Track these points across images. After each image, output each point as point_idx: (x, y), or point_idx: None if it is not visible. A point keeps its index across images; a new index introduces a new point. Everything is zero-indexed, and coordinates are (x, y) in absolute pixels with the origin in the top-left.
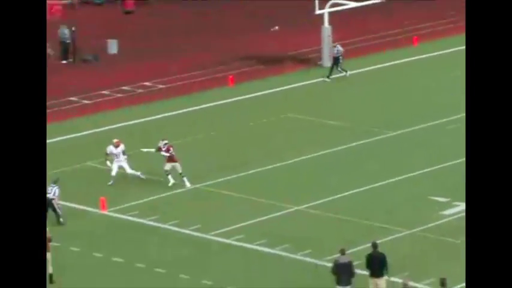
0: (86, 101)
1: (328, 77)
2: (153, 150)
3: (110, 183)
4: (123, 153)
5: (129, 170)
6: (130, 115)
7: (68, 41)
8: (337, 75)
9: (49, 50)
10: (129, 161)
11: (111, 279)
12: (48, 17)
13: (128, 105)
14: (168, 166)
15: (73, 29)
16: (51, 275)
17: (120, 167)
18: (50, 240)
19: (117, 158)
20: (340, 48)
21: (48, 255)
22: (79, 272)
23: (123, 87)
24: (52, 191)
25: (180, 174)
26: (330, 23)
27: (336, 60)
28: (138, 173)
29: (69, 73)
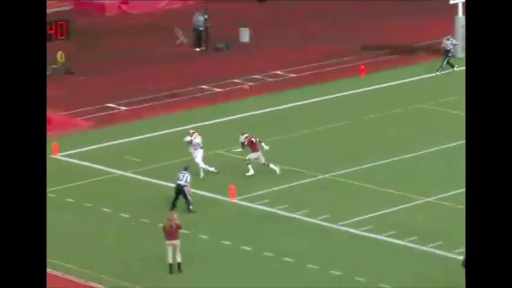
0: (217, 89)
1: (438, 70)
2: (240, 149)
3: (213, 170)
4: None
5: (201, 164)
6: (261, 104)
7: (201, 29)
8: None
9: (182, 38)
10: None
11: (239, 268)
12: (182, 4)
13: (258, 94)
14: (253, 155)
15: (206, 16)
16: (179, 264)
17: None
18: (180, 228)
19: (197, 148)
20: (454, 41)
21: (177, 243)
22: (207, 260)
23: (255, 76)
24: (184, 178)
25: (264, 164)
26: (464, 13)
27: (447, 53)
28: (212, 168)
29: (201, 61)
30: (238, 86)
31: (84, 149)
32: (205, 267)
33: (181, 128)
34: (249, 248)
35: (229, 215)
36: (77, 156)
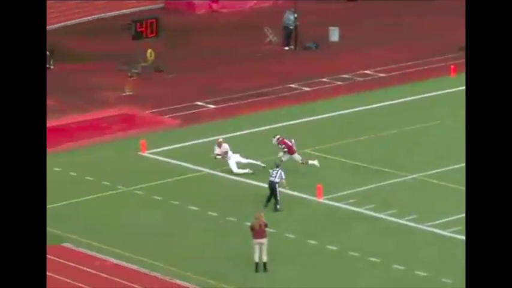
0: (305, 88)
1: None
2: (281, 154)
3: (248, 171)
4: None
5: (235, 169)
6: (349, 103)
7: (291, 27)
8: None
9: (271, 37)
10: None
11: (324, 267)
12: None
13: (347, 94)
14: (285, 157)
15: (295, 15)
16: (265, 263)
17: (237, 162)
18: (266, 226)
19: (226, 156)
20: None
21: (265, 241)
22: (292, 259)
23: (343, 75)
24: (276, 175)
25: (302, 163)
26: None
27: None
28: (246, 170)
29: (289, 60)
30: (327, 86)
31: (171, 147)
32: (290, 267)
33: (268, 127)
34: (334, 248)
35: (315, 215)
36: (165, 154)
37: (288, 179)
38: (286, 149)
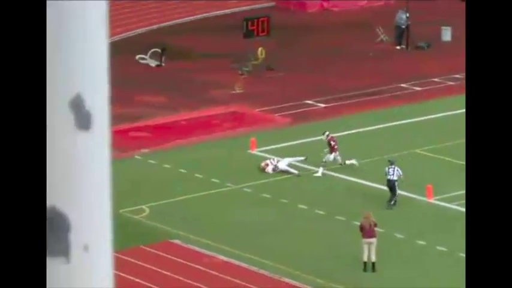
0: (416, 88)
1: None
2: (326, 150)
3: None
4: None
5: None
6: (461, 103)
7: (403, 27)
8: None
9: (382, 36)
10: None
11: (433, 268)
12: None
13: (459, 94)
14: (331, 157)
15: (407, 15)
16: (373, 263)
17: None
18: (376, 225)
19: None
20: None
21: (374, 241)
22: (401, 259)
23: (455, 75)
24: (393, 172)
25: (341, 164)
26: None
27: None
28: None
29: (401, 59)
30: (438, 86)
31: (280, 145)
32: (399, 267)
33: (378, 126)
34: (444, 249)
35: (425, 215)
36: (274, 152)
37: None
38: (334, 145)
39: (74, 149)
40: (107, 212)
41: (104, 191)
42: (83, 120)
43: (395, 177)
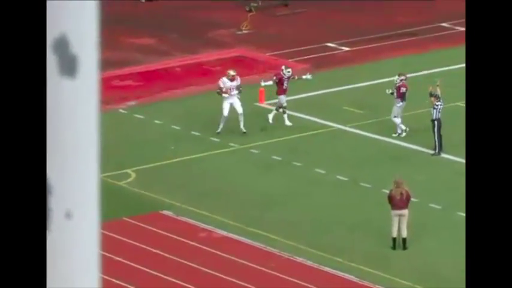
0: (459, 28)
1: None
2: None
3: (218, 129)
4: (237, 88)
5: (240, 109)
6: None
7: None
8: None
9: None
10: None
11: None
12: None
13: None
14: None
15: None
16: (404, 239)
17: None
18: (409, 197)
19: (231, 92)
20: None
21: (406, 213)
22: (437, 233)
23: None
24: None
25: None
26: None
27: None
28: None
29: None
30: None
31: (296, 97)
32: (434, 243)
33: (415, 74)
34: None
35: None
36: (287, 106)
37: (424, 138)
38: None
39: (56, 98)
40: (93, 174)
41: (90, 149)
42: (68, 64)
43: (433, 116)
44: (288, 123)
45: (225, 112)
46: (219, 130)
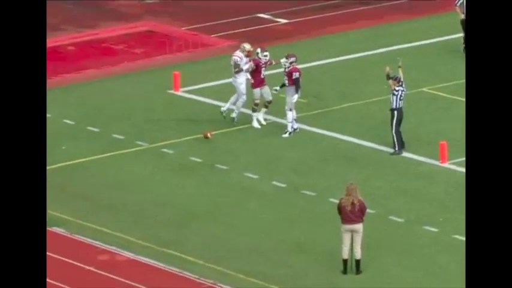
0: None
1: None
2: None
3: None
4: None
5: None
6: None
7: None
8: None
9: None
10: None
11: (444, 264)
12: None
13: None
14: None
15: None
16: (358, 262)
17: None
18: (364, 208)
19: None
20: None
21: (359, 228)
22: (398, 252)
23: None
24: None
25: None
26: None
27: None
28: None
29: None
30: None
31: (219, 83)
32: (395, 265)
33: (370, 52)
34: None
35: (437, 186)
36: (209, 93)
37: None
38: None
39: None
40: None
41: None
42: None
43: (393, 105)
44: (256, 124)
45: (243, 89)
46: (234, 116)
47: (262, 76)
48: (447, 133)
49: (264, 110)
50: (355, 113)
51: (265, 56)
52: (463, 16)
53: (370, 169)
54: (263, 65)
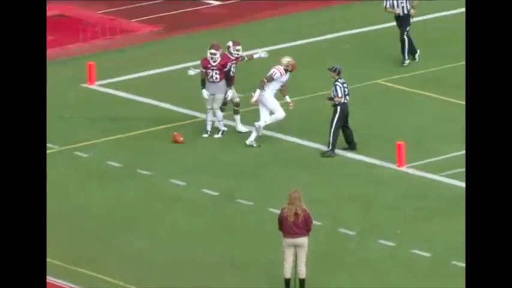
0: None
1: None
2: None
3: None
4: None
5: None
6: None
7: None
8: None
9: None
10: None
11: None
12: None
13: None
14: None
15: None
16: (302, 281)
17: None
18: (309, 218)
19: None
20: None
21: (304, 243)
22: (349, 270)
23: None
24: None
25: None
26: None
27: None
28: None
29: None
30: None
31: (142, 75)
32: (346, 285)
33: (315, 39)
34: (426, 254)
35: (394, 193)
36: (129, 87)
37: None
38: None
39: None
40: None
41: None
42: None
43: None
44: (241, 128)
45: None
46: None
47: (232, 73)
48: (405, 132)
49: (222, 113)
50: (296, 108)
51: (238, 50)
52: (398, 11)
53: (316, 174)
54: (234, 61)
